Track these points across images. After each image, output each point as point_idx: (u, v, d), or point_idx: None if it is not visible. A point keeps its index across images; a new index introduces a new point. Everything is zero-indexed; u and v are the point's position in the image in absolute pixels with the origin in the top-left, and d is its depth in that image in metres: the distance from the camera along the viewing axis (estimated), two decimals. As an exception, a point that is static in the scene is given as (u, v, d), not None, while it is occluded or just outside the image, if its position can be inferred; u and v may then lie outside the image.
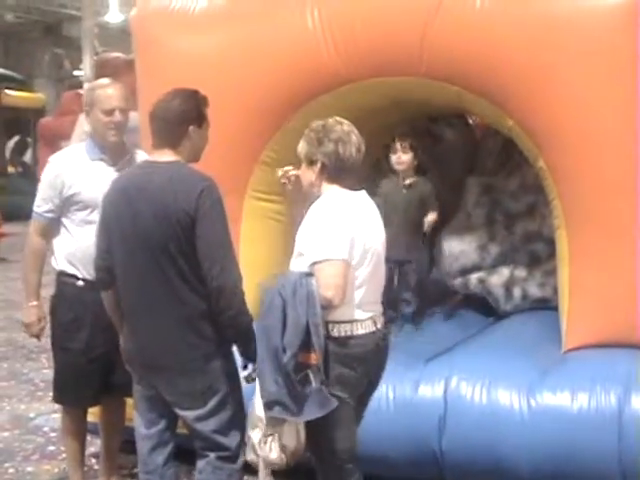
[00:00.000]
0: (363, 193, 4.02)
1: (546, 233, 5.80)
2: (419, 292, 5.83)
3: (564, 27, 4.85)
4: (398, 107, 6.11)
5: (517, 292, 6.04)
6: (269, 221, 5.70)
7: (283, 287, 3.71)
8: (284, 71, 5.40)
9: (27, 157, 26.24)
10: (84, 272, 4.71)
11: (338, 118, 4.03)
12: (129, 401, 4.74)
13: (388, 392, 4.83)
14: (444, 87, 5.20)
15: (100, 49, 27.24)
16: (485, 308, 6.23)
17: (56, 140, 5.91)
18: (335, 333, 3.79)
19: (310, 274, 3.72)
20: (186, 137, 4.06)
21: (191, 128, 4.05)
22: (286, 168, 4.29)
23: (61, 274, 4.84)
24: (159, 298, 3.97)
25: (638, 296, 4.76)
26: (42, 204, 4.80)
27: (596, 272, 4.92)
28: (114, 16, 30.44)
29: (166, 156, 4.06)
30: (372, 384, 4.05)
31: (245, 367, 4.05)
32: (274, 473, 4.07)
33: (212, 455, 4.05)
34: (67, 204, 4.74)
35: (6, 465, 5.73)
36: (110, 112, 4.75)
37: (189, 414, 4.04)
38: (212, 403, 3.97)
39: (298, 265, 3.84)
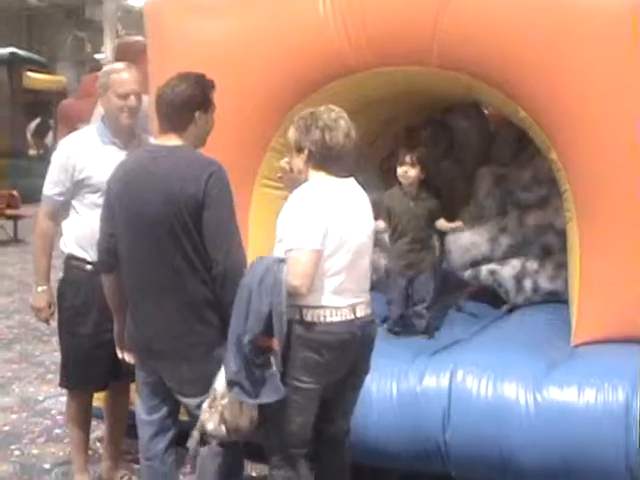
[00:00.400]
0: (351, 181, 4.02)
1: (558, 225, 5.74)
2: (430, 305, 5.71)
3: (578, 17, 4.79)
4: (411, 96, 6.09)
5: (528, 284, 6.00)
6: (278, 208, 5.65)
7: (252, 272, 3.76)
8: (295, 58, 5.38)
9: (48, 139, 26.38)
10: (93, 255, 4.68)
11: (330, 106, 4.01)
12: (133, 386, 4.74)
13: (393, 384, 4.81)
14: (455, 77, 5.16)
15: (122, 32, 27.27)
16: (495, 300, 6.19)
17: (76, 122, 5.95)
18: (307, 318, 3.80)
19: (283, 260, 3.76)
20: (192, 122, 4.05)
21: (197, 113, 4.04)
22: (287, 159, 4.28)
23: (70, 258, 4.83)
24: (163, 283, 3.97)
25: (649, 290, 4.73)
26: (52, 187, 4.79)
27: (607, 266, 4.87)
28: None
29: (172, 140, 4.06)
30: (355, 374, 4.03)
31: None
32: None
33: (212, 442, 4.04)
34: (78, 187, 4.73)
35: (12, 447, 5.76)
36: (125, 96, 4.74)
37: (191, 401, 4.04)
38: None
39: (279, 251, 3.86)
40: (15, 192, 16.54)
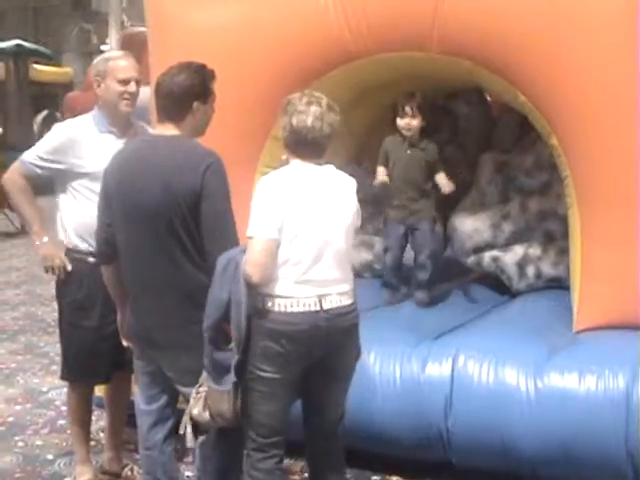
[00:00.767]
0: (328, 168, 3.96)
1: (561, 211, 5.71)
2: (433, 259, 5.74)
3: (579, 3, 4.77)
4: (413, 82, 6.05)
5: (531, 271, 5.97)
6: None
7: (219, 262, 3.78)
8: (295, 46, 5.36)
9: (55, 131, 26.31)
10: (94, 245, 4.67)
11: (311, 92, 3.99)
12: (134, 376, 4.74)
13: (396, 370, 4.82)
14: (456, 62, 5.15)
15: (128, 24, 27.21)
16: (498, 287, 6.16)
17: (82, 114, 5.93)
18: (268, 306, 3.78)
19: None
20: (190, 112, 4.02)
21: (195, 104, 4.01)
22: None
23: (71, 251, 4.80)
24: (162, 273, 3.96)
25: (650, 277, 4.71)
26: (38, 160, 4.75)
27: (608, 252, 4.87)
28: (143, -9, 30.39)
29: (170, 130, 4.03)
30: (334, 366, 3.94)
31: None
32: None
33: (212, 431, 4.04)
34: (74, 175, 4.70)
35: (16, 438, 5.76)
36: (126, 82, 4.72)
37: (190, 391, 4.02)
38: None
39: None
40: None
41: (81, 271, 4.75)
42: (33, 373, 7.26)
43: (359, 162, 6.68)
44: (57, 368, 6.90)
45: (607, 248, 4.85)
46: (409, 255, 5.94)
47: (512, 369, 4.60)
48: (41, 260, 4.90)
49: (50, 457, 5.45)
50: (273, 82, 5.42)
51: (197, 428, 3.96)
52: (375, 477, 5.03)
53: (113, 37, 27.62)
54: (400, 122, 5.60)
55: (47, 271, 4.86)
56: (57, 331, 4.79)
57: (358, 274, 6.50)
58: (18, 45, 23.33)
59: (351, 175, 6.43)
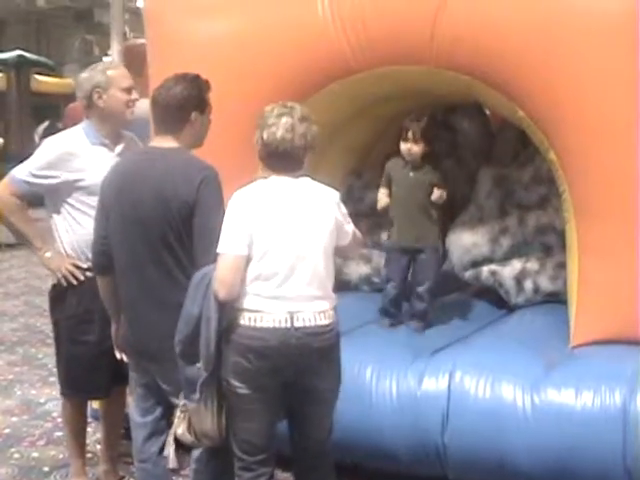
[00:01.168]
0: (303, 181, 3.88)
1: (559, 226, 5.69)
2: (433, 291, 5.62)
3: (577, 19, 4.77)
4: (412, 96, 6.06)
5: (528, 285, 5.96)
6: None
7: (195, 276, 3.79)
8: (294, 58, 5.38)
9: (57, 143, 26.30)
10: None
11: (288, 103, 3.92)
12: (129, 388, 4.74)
13: (392, 385, 4.81)
14: (454, 77, 5.15)
15: (131, 35, 27.26)
16: (496, 301, 6.15)
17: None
18: (239, 321, 3.74)
19: None
20: (188, 123, 4.04)
21: (193, 114, 4.03)
22: None
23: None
24: (156, 286, 3.96)
25: (648, 292, 4.69)
26: (30, 177, 4.68)
27: (605, 267, 4.86)
28: (145, 2, 30.42)
29: (168, 142, 4.04)
30: (308, 388, 3.85)
31: None
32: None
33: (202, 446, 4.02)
34: (70, 189, 4.67)
35: (12, 450, 5.75)
36: (129, 90, 4.75)
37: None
38: None
39: None
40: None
41: (80, 286, 4.72)
42: (31, 384, 7.25)
43: (359, 175, 6.69)
44: (55, 380, 6.89)
45: (604, 263, 4.84)
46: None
47: (509, 385, 4.58)
48: (53, 273, 4.81)
49: (46, 469, 5.44)
50: (272, 95, 5.35)
51: (182, 447, 3.94)
52: (371, 492, 5.02)
53: (115, 49, 27.76)
54: (402, 146, 5.48)
55: (64, 282, 4.73)
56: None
57: (356, 287, 6.53)
58: (20, 56, 23.36)
59: (350, 187, 6.53)
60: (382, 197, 5.60)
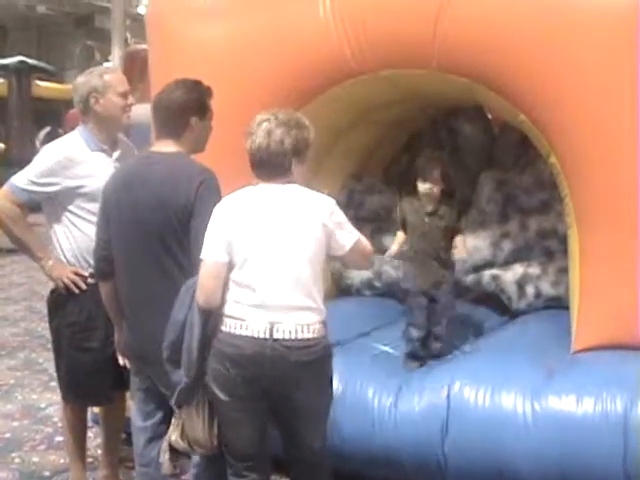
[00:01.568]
0: (288, 187, 3.77)
1: (560, 230, 5.70)
2: (449, 329, 5.42)
3: (578, 22, 4.75)
4: (414, 100, 6.07)
5: (530, 290, 5.96)
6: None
7: (187, 282, 3.79)
8: (295, 62, 5.37)
9: (58, 148, 26.32)
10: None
11: (271, 109, 3.84)
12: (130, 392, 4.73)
13: (392, 395, 4.78)
14: (456, 80, 5.14)
15: (132, 41, 27.32)
16: (498, 306, 6.14)
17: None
18: (220, 327, 3.72)
19: None
20: (188, 128, 4.04)
21: (193, 119, 4.03)
22: None
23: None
24: (156, 289, 3.97)
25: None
26: (31, 185, 4.63)
27: (607, 272, 4.83)
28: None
29: (168, 147, 4.05)
30: (290, 402, 3.75)
31: None
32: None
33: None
34: (70, 197, 4.64)
35: (13, 455, 5.72)
36: (125, 94, 4.74)
37: (184, 407, 4.02)
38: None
39: None
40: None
41: (81, 292, 4.68)
42: (31, 389, 7.23)
43: (359, 179, 6.68)
44: (56, 384, 6.86)
45: (606, 268, 4.82)
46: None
47: (509, 393, 4.54)
48: (56, 282, 4.74)
49: (47, 474, 5.41)
50: (273, 98, 5.39)
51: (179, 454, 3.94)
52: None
53: (116, 54, 27.81)
54: (422, 187, 5.22)
55: (66, 291, 4.69)
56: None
57: (358, 291, 6.53)
58: (21, 61, 23.40)
59: (350, 191, 6.52)
60: (398, 242, 5.37)
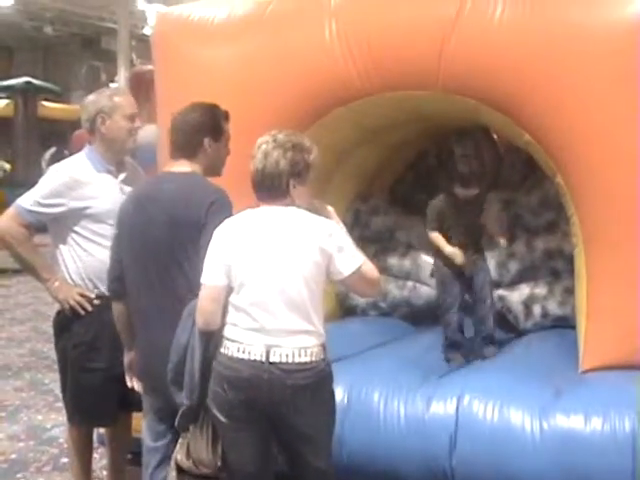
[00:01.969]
0: (288, 210, 3.77)
1: (567, 250, 5.69)
2: (492, 310, 5.62)
3: (583, 43, 4.75)
4: (419, 121, 6.07)
5: (537, 310, 5.96)
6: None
7: (189, 305, 3.81)
8: (301, 83, 5.37)
9: (64, 169, 26.37)
10: (102, 288, 4.62)
11: (278, 130, 3.85)
12: (135, 414, 4.73)
13: (400, 408, 4.77)
14: (461, 101, 5.14)
15: (137, 62, 27.40)
16: (505, 325, 6.13)
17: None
18: (221, 349, 3.73)
19: None
20: (201, 149, 4.08)
21: (206, 140, 4.06)
22: None
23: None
24: (167, 308, 3.96)
25: (657, 318, 4.66)
26: (37, 206, 4.63)
27: (613, 292, 4.80)
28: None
29: (182, 167, 4.09)
30: (288, 429, 3.75)
31: None
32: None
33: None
34: (76, 217, 4.64)
35: (18, 476, 5.74)
36: (132, 118, 4.74)
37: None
38: None
39: None
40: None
41: (87, 314, 4.68)
42: (37, 410, 7.25)
43: (365, 199, 6.68)
44: (61, 405, 6.87)
45: (613, 288, 4.80)
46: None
47: (517, 410, 4.52)
48: (61, 303, 4.73)
49: (52, 495, 5.42)
50: (279, 119, 5.39)
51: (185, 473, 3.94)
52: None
53: (122, 75, 27.91)
54: (459, 191, 5.45)
55: (71, 313, 4.69)
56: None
57: (363, 312, 6.52)
58: (27, 82, 23.54)
59: (356, 212, 6.53)
60: (446, 244, 5.49)
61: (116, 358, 4.51)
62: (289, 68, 5.39)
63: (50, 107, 24.88)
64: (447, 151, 6.71)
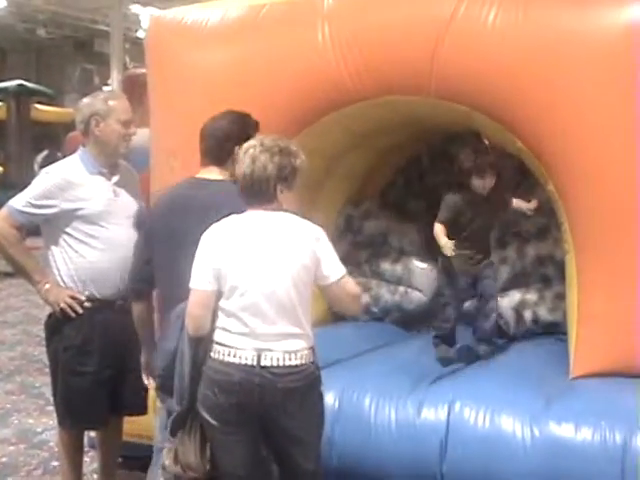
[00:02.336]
0: (279, 215, 3.79)
1: (558, 256, 5.70)
2: (495, 308, 5.63)
3: (577, 48, 4.76)
4: (411, 126, 6.07)
5: (528, 316, 5.96)
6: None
7: (175, 310, 3.83)
8: (293, 87, 5.37)
9: (56, 172, 26.35)
10: (93, 290, 4.65)
11: (261, 136, 3.89)
12: (126, 418, 4.73)
13: (391, 414, 4.76)
14: (453, 107, 5.14)
15: (131, 65, 27.38)
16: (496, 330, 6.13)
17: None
18: (211, 353, 3.73)
19: None
20: (231, 157, 4.10)
21: (237, 148, 4.04)
22: None
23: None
24: None
25: (648, 324, 4.67)
26: (29, 207, 4.63)
27: (605, 299, 4.81)
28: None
29: (213, 174, 4.18)
30: (278, 432, 3.80)
31: None
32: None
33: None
34: (68, 219, 4.65)
35: (8, 479, 5.70)
36: (127, 123, 4.74)
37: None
38: None
39: None
40: (21, 224, 16.52)
41: (78, 316, 4.68)
42: (28, 413, 7.23)
43: (357, 204, 6.69)
44: (52, 409, 6.86)
45: (604, 294, 4.80)
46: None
47: (508, 417, 4.52)
48: (52, 306, 4.74)
49: (42, 499, 5.41)
50: (271, 123, 5.36)
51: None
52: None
53: (115, 78, 27.88)
54: (477, 182, 5.38)
55: (62, 315, 4.69)
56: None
57: (355, 317, 6.51)
58: (20, 85, 23.48)
59: (348, 217, 6.53)
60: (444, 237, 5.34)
61: (107, 361, 4.51)
62: (282, 72, 5.39)
63: (43, 110, 24.85)
64: (440, 153, 6.74)
